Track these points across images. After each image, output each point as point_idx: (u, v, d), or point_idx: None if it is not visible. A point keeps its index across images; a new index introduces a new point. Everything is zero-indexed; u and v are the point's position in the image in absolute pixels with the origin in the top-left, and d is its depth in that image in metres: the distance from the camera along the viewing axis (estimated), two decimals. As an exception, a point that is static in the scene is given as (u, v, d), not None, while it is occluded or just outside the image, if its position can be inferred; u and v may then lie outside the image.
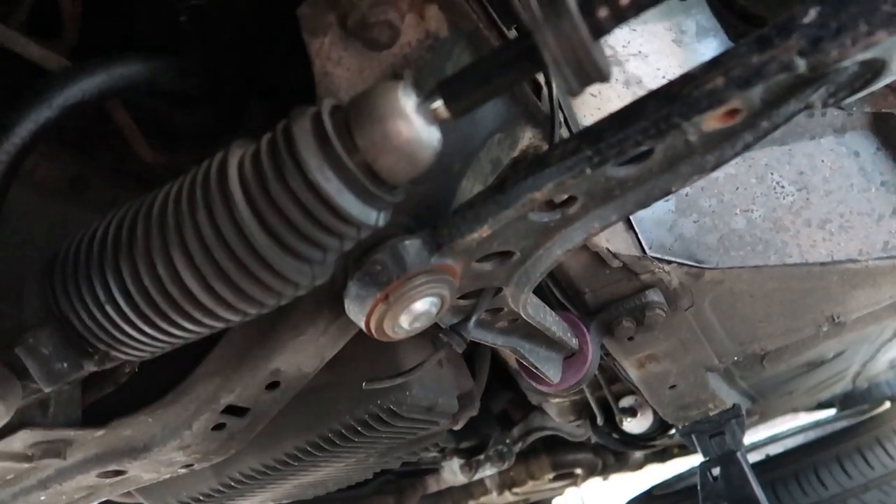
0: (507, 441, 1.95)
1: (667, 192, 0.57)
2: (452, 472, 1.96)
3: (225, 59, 0.78)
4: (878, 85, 0.47)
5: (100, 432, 0.70)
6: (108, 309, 0.51)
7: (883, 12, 0.40)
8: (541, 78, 0.77)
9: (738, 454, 1.40)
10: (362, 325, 0.63)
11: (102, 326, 0.52)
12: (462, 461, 1.94)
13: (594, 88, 1.11)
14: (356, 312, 0.63)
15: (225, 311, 0.51)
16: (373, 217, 0.50)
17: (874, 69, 0.45)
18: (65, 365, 0.55)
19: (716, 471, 1.41)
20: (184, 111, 0.81)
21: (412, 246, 0.61)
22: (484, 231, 0.58)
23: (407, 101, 0.46)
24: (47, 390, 0.55)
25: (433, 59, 0.59)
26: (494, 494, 2.36)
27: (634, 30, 1.17)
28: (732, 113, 0.49)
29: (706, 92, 0.46)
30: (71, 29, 0.71)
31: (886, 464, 1.54)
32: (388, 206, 0.52)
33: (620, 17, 0.43)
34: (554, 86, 0.73)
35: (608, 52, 1.14)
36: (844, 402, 2.80)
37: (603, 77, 0.44)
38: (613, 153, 0.51)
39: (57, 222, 0.76)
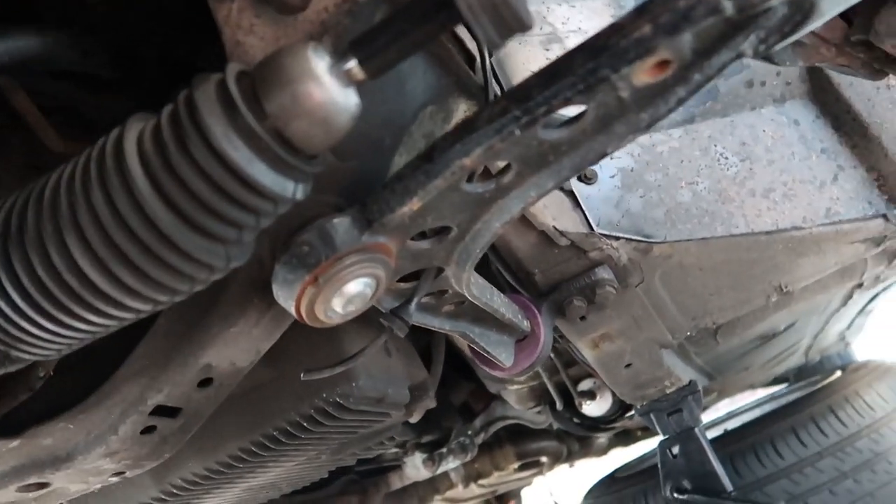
0: (469, 433, 1.93)
1: (602, 155, 0.55)
2: (415, 468, 1.93)
3: (143, 41, 0.73)
4: (810, 27, 0.45)
5: (15, 443, 0.65)
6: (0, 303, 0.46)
7: (808, -54, 0.39)
8: (474, 48, 0.74)
9: (697, 430, 1.40)
10: (292, 310, 0.60)
11: None
12: (424, 455, 1.91)
13: (534, 65, 1.09)
14: (285, 297, 0.59)
15: (132, 300, 0.47)
16: (289, 189, 0.47)
17: (803, 10, 0.43)
18: (-41, 368, 0.50)
19: (675, 448, 1.41)
20: (98, 97, 0.76)
21: (341, 224, 0.57)
22: (414, 204, 0.55)
23: (318, 61, 0.43)
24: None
25: (353, 25, 0.55)
26: (461, 488, 2.34)
27: (574, 6, 1.15)
28: (663, 65, 0.47)
29: (634, 41, 0.44)
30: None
31: (839, 431, 1.57)
32: (307, 177, 0.48)
33: (538, -40, 0.40)
34: (486, 55, 0.71)
35: (547, 30, 1.12)
36: (798, 375, 2.86)
37: (524, 26, 0.41)
38: (542, 112, 0.48)
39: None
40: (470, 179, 0.57)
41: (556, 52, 1.10)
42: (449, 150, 0.52)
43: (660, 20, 0.43)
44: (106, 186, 0.44)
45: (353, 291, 0.59)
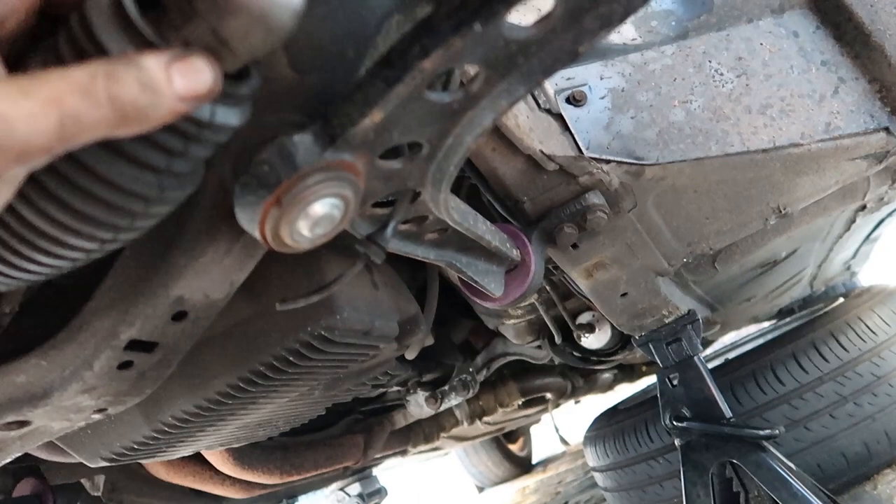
0: (471, 370, 1.94)
1: (574, 54, 0.51)
2: (418, 406, 1.95)
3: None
4: None
5: (-12, 381, 0.64)
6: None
7: None
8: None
9: (696, 359, 1.39)
10: (257, 234, 0.57)
11: None
12: (427, 393, 1.92)
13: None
14: (248, 221, 0.56)
15: (72, 237, 0.44)
16: (206, 111, 0.43)
17: None
18: None
19: (674, 377, 1.40)
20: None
21: (302, 141, 0.54)
22: (376, 115, 0.52)
23: (252, -51, 0.39)
24: None
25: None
26: (466, 425, 2.36)
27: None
28: (633, -56, 0.43)
29: (598, -85, 0.40)
30: None
31: (840, 356, 1.56)
32: (237, 99, 0.45)
33: None
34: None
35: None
36: (804, 307, 2.85)
37: None
38: (504, 4, 0.44)
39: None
40: (439, 88, 0.54)
41: (540, -34, 1.04)
42: (407, 52, 0.48)
43: None
44: None
45: (319, 213, 0.57)
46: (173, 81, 0.38)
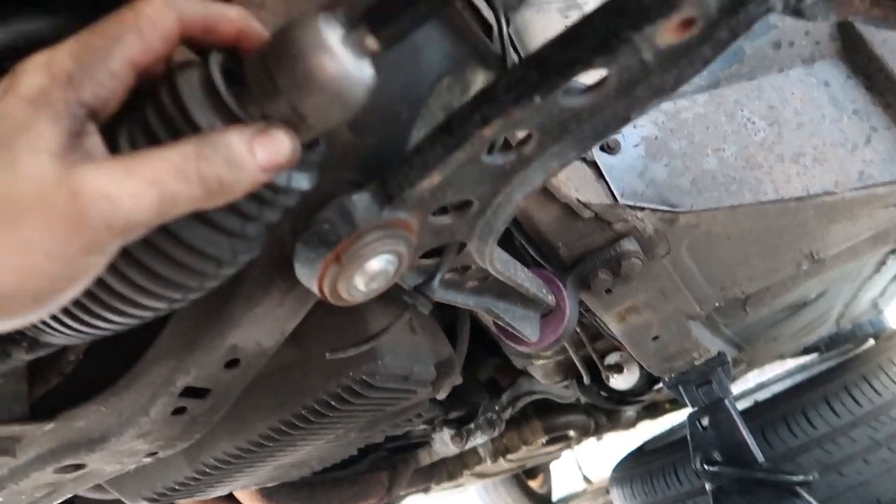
0: (497, 408, 1.94)
1: (626, 120, 0.53)
2: (444, 443, 1.94)
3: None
4: (843, -22, 0.43)
5: (50, 426, 0.66)
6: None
7: None
8: (491, 17, 0.72)
9: (726, 401, 1.38)
10: (315, 289, 0.59)
11: None
12: (452, 431, 1.92)
13: (551, 32, 1.06)
14: (307, 276, 0.59)
15: (143, 297, 0.47)
16: (283, 178, 0.46)
17: (836, -41, 0.41)
18: (-10, 354, 0.51)
19: (705, 420, 1.40)
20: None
21: (361, 201, 0.57)
22: (434, 178, 0.54)
23: (329, 33, 0.42)
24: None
25: (366, -4, 0.54)
26: (489, 462, 2.35)
27: (592, -29, 1.12)
28: (687, 23, 0.46)
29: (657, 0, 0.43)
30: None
31: (874, 399, 1.54)
32: (309, 165, 0.48)
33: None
34: (504, 22, 0.69)
35: (566, -4, 1.10)
36: (830, 345, 2.81)
37: (541, -13, 0.39)
38: (562, 77, 0.47)
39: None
40: (490, 151, 0.56)
41: (574, 19, 1.07)
42: (468, 120, 0.51)
43: (684, -25, 0.42)
44: None
45: (375, 268, 0.59)
46: (256, 155, 0.41)
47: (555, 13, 1.05)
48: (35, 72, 0.37)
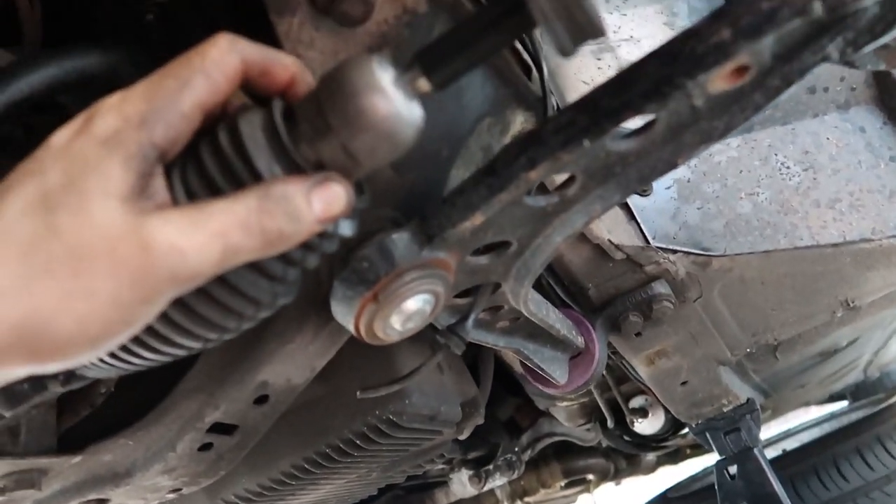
0: (516, 449, 1.90)
1: (672, 166, 0.52)
2: (461, 484, 1.90)
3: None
4: (902, 28, 0.42)
5: (77, 459, 0.65)
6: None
7: (906, -60, 0.36)
8: (530, 60, 0.73)
9: (756, 451, 1.34)
10: (351, 328, 0.59)
11: None
12: (471, 472, 1.88)
13: (586, 75, 1.07)
14: (344, 315, 0.58)
15: (180, 336, 0.46)
16: (342, 224, 0.46)
17: (897, 9, 0.41)
18: (26, 385, 0.50)
19: (733, 469, 1.36)
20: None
21: (400, 239, 0.56)
22: (477, 219, 0.54)
23: (383, 73, 0.42)
24: (8, 414, 0.51)
25: (412, 37, 0.55)
26: (506, 504, 2.30)
27: (625, 14, 1.13)
28: (741, 70, 0.45)
29: (712, 46, 0.42)
30: (31, 34, 0.67)
31: (909, 453, 1.49)
32: (354, 212, 0.48)
33: (613, -36, 0.38)
34: (544, 66, 0.69)
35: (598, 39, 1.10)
36: (856, 392, 2.74)
37: (598, 32, 0.39)
38: (612, 123, 0.46)
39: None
40: (530, 192, 0.56)
41: (607, 61, 1.07)
42: (513, 162, 0.50)
43: (740, 23, 0.41)
44: None
45: (412, 308, 0.58)
46: (313, 207, 0.41)
47: (587, 55, 1.06)
48: (108, 113, 0.37)
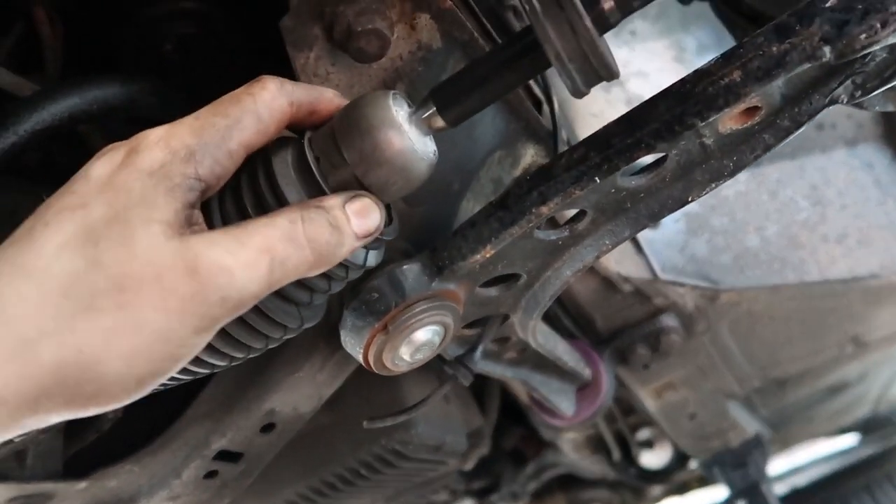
0: (521, 480, 1.88)
1: (682, 203, 0.53)
2: (464, 515, 1.88)
3: (212, 89, 0.75)
4: (911, 73, 0.43)
5: (83, 484, 0.65)
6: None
7: (914, -11, 0.37)
8: (541, 93, 0.74)
9: (764, 486, 1.33)
10: (360, 358, 0.59)
11: None
12: (474, 502, 1.86)
13: (595, 108, 1.08)
14: (353, 345, 0.58)
15: (213, 357, 0.47)
16: (360, 256, 0.46)
17: (905, 54, 0.41)
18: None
19: (742, 504, 1.34)
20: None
21: (411, 271, 0.56)
22: (487, 252, 0.54)
23: (398, 109, 0.43)
24: (17, 439, 0.51)
25: (427, 72, 0.56)
26: (509, 537, 2.26)
27: (633, 49, 1.15)
28: (751, 111, 0.46)
29: (723, 87, 0.43)
30: (52, 60, 0.69)
31: (921, 491, 1.47)
32: (380, 244, 0.48)
33: (626, 8, 0.39)
34: (554, 101, 0.70)
35: (608, 72, 1.12)
36: (867, 427, 2.71)
37: (611, 74, 0.40)
38: (623, 159, 0.47)
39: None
40: (541, 226, 0.56)
41: (616, 95, 1.09)
42: (525, 197, 0.51)
43: (751, 66, 0.42)
44: None
45: (421, 339, 0.58)
46: (351, 220, 0.41)
47: (597, 88, 1.06)
48: (155, 146, 0.37)
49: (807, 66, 0.41)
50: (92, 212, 0.35)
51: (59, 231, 0.35)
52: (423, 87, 0.56)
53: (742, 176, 1.08)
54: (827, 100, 0.45)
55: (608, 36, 0.43)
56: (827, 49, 0.40)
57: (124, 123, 0.72)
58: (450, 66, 0.57)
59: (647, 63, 1.12)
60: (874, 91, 0.43)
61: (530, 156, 0.69)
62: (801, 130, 0.47)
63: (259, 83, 0.41)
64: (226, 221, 0.41)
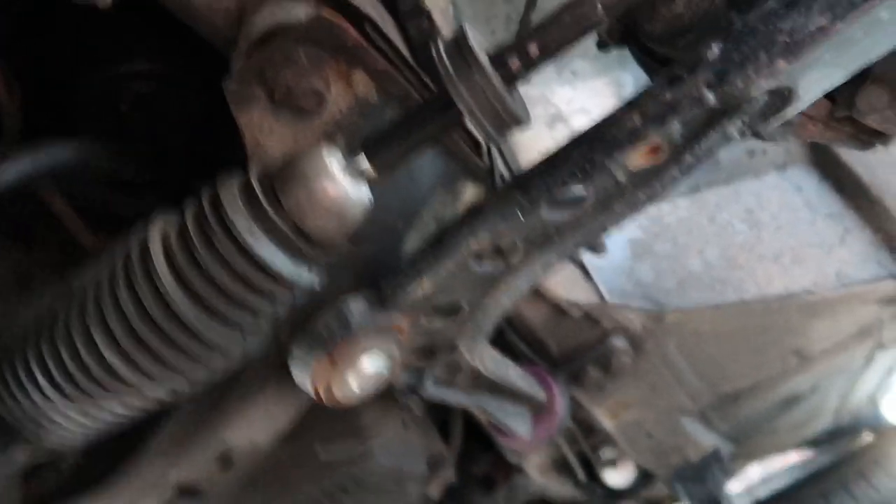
0: (492, 506, 1.89)
1: (604, 230, 0.57)
2: (437, 544, 1.88)
3: (171, 143, 0.78)
4: (791, 112, 0.48)
5: (41, 528, 0.66)
6: (32, 393, 0.49)
7: (780, 43, 0.42)
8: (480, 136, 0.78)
9: (724, 500, 1.37)
10: (310, 390, 0.61)
11: (28, 412, 0.50)
12: (446, 531, 1.86)
13: (541, 145, 1.13)
14: (302, 377, 0.61)
15: (154, 390, 0.49)
16: (305, 277, 0.50)
17: (783, 97, 0.46)
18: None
19: (703, 519, 1.37)
20: (129, 197, 0.80)
21: (356, 305, 0.60)
22: (426, 284, 0.58)
23: (331, 160, 0.47)
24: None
25: (365, 124, 0.60)
26: (484, 565, 2.26)
27: (576, 87, 1.21)
28: (655, 150, 0.50)
29: (626, 131, 0.47)
30: (11, 125, 0.71)
31: (872, 497, 1.52)
32: (322, 266, 0.51)
33: (531, 65, 0.44)
34: (491, 143, 0.74)
35: (551, 110, 1.17)
36: (830, 438, 2.77)
37: (520, 123, 0.44)
38: (545, 198, 0.51)
39: (4, 318, 0.73)
40: (480, 259, 0.60)
41: (560, 131, 1.14)
42: (458, 233, 0.55)
43: (648, 111, 0.47)
44: (131, 281, 0.47)
45: (369, 370, 0.61)
46: None
47: (542, 125, 1.12)
48: None
49: (696, 110, 0.45)
50: None
51: None
52: (362, 138, 0.59)
53: (683, 202, 1.14)
54: (722, 137, 0.50)
55: (551, 77, 0.47)
56: (711, 95, 0.45)
57: (83, 182, 0.74)
58: (387, 118, 0.61)
59: (589, 100, 1.18)
60: (760, 128, 0.48)
61: (470, 193, 0.74)
62: (702, 164, 0.51)
63: None
64: None
